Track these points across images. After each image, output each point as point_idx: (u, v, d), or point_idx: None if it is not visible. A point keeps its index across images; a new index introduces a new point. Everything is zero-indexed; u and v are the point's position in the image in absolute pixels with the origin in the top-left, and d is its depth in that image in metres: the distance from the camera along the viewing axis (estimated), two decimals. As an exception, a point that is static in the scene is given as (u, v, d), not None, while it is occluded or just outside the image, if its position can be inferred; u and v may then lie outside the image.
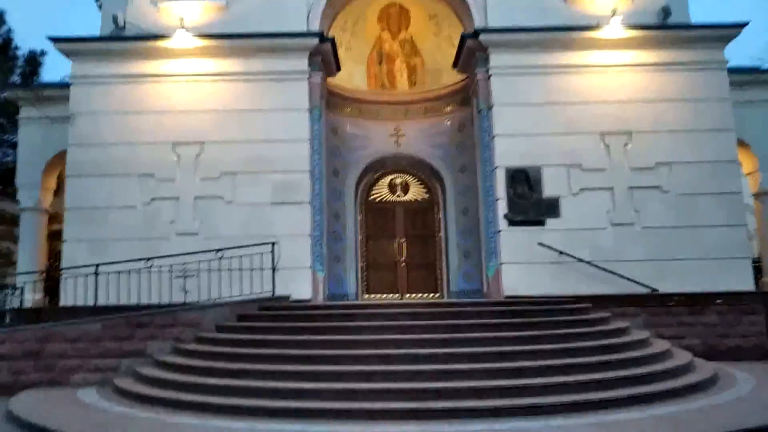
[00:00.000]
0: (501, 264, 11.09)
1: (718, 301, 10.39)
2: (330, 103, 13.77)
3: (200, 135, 11.41)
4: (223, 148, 11.34)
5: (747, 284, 10.91)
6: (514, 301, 9.02)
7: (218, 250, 9.46)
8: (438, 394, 6.33)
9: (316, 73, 11.88)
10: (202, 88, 11.60)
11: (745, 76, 13.15)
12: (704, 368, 8.03)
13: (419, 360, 6.93)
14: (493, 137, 11.46)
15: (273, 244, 9.49)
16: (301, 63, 11.58)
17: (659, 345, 8.62)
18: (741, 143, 12.43)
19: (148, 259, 9.81)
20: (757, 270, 12.97)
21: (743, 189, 12.02)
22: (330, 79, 13.43)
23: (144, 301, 9.62)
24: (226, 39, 11.52)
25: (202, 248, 10.31)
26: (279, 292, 10.15)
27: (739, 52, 12.61)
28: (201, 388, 6.93)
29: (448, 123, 14.28)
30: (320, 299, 11.15)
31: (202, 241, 10.85)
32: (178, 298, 9.77)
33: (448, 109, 14.30)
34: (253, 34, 11.53)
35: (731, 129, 11.44)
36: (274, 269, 9.49)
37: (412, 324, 7.69)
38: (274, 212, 11.09)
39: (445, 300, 9.86)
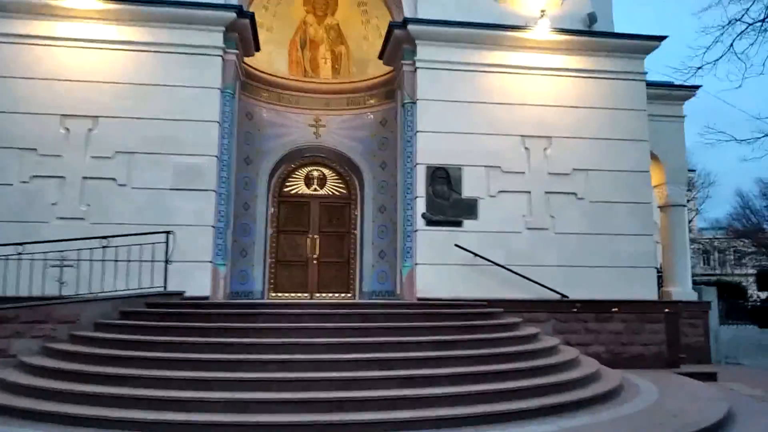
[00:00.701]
0: (416, 264, 10.70)
1: (614, 309, 10.53)
2: (246, 86, 12.89)
3: (95, 108, 10.19)
4: (120, 124, 10.18)
5: (652, 293, 11.16)
6: (427, 303, 8.61)
7: (104, 238, 8.37)
8: (341, 405, 5.76)
9: (231, 50, 10.95)
10: (102, 56, 10.38)
11: (658, 90, 13.54)
12: (611, 377, 7.97)
13: (323, 367, 6.33)
14: (416, 133, 11.06)
15: (168, 233, 8.53)
16: (216, 38, 10.63)
17: (568, 353, 8.50)
18: (651, 156, 12.77)
19: (21, 244, 8.54)
20: (659, 280, 13.42)
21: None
22: (247, 60, 12.55)
23: (11, 293, 8.36)
24: (131, 3, 10.36)
25: (87, 235, 9.15)
26: (175, 287, 9.20)
27: (653, 67, 12.93)
28: (67, 396, 5.96)
29: (371, 117, 13.78)
30: (220, 297, 10.28)
31: (88, 227, 9.66)
32: (53, 290, 8.58)
33: (372, 102, 13.79)
34: (163, 1, 10.46)
35: (645, 140, 11.68)
36: (167, 262, 8.53)
37: (318, 327, 7.06)
38: (174, 199, 10.08)
39: (356, 301, 9.37)
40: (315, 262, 13.51)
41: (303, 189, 13.82)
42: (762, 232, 37.56)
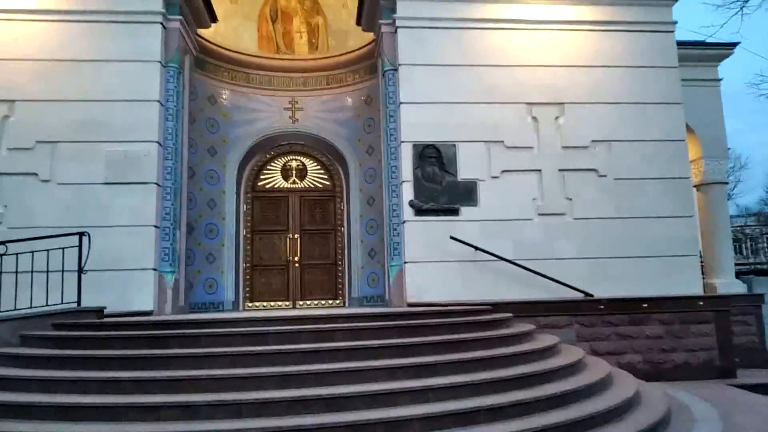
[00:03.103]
0: (405, 263, 8.83)
1: (644, 305, 8.54)
2: (207, 65, 11.18)
3: (10, 91, 8.54)
4: (41, 108, 8.52)
5: (696, 287, 9.13)
6: (412, 312, 6.66)
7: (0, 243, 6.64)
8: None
9: (175, 17, 9.22)
10: (15, 28, 8.73)
11: (689, 50, 11.50)
12: (653, 399, 6.02)
13: (248, 410, 4.49)
14: (399, 105, 9.20)
15: (81, 235, 6.79)
16: (153, 1, 8.92)
17: (597, 367, 6.58)
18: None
19: None
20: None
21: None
22: (207, 35, 10.85)
23: None
24: (50, -34, 8.72)
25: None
26: (110, 302, 7.44)
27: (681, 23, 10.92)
28: None
29: (355, 95, 11.95)
30: (169, 311, 8.52)
31: (5, 232, 8.00)
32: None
33: (355, 78, 11.95)
34: (87, -38, 8.80)
35: (679, 102, 9.66)
36: (81, 271, 6.78)
37: (280, 350, 5.15)
38: (108, 195, 8.39)
39: (310, 313, 7.62)
40: (297, 265, 11.72)
41: (280, 182, 12.03)
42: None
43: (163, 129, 8.82)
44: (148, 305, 8.18)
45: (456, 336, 5.91)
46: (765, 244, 49.26)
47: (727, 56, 12.14)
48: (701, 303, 8.76)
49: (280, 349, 5.04)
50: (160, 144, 8.68)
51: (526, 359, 5.94)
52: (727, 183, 12.22)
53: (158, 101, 8.73)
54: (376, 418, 4.28)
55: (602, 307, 8.47)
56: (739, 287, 11.10)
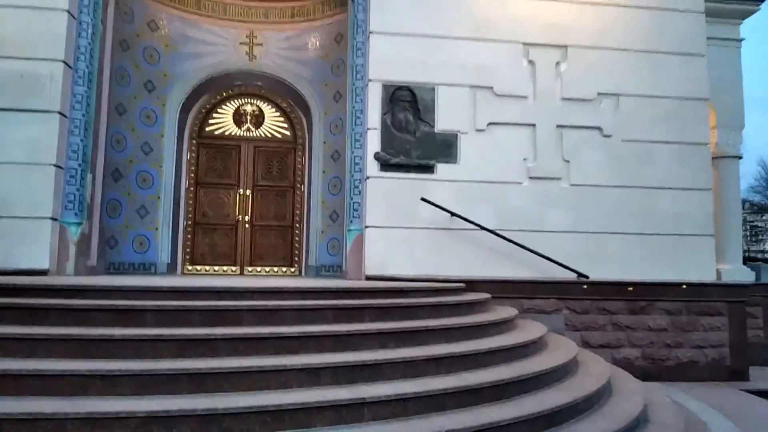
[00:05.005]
0: (366, 227, 7.30)
1: (630, 288, 7.18)
2: (147, -17, 9.37)
3: None
4: None
5: (708, 273, 7.73)
6: (356, 288, 4.97)
7: None
8: None
9: None
10: None
11: (706, 3, 9.93)
12: (666, 416, 4.62)
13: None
14: (369, 36, 7.54)
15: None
16: None
17: (595, 369, 5.17)
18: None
19: None
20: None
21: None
22: (145, -55, 9.02)
23: None
24: None
25: None
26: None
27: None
28: None
29: (323, 31, 10.20)
30: (70, 271, 6.92)
31: None
32: None
33: (325, 11, 10.17)
34: None
35: (703, 54, 8.13)
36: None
37: (159, 336, 3.60)
38: (-4, 124, 6.70)
39: (218, 284, 6.17)
40: (247, 225, 10.13)
41: (232, 128, 10.34)
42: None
43: (74, 47, 7.08)
44: (43, 263, 6.58)
45: (414, 323, 4.41)
46: (747, 233, 48.63)
47: (751, 13, 10.60)
48: (714, 291, 7.40)
49: (158, 334, 3.49)
50: (67, 65, 6.96)
51: (507, 356, 4.48)
52: (740, 157, 10.78)
53: (67, 11, 6.96)
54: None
55: (595, 288, 7.07)
56: (746, 275, 9.78)
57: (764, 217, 40.06)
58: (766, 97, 54.51)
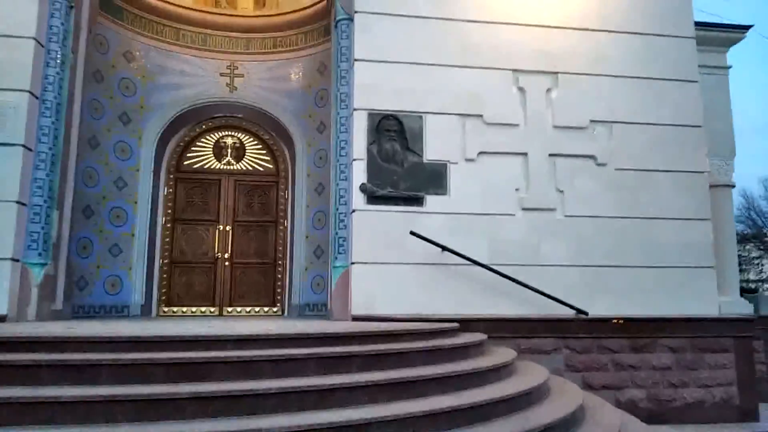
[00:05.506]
0: (352, 264, 6.87)
1: (615, 320, 6.81)
2: (124, 13, 9.18)
3: None
4: None
5: (711, 306, 7.38)
6: (342, 333, 4.43)
7: None
8: None
9: (67, -62, 7.12)
10: None
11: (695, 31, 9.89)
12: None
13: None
14: (353, 63, 7.25)
15: None
16: None
17: (599, 416, 4.73)
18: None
19: None
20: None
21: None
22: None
23: None
24: None
25: None
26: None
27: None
28: None
29: (307, 62, 9.95)
30: (32, 316, 6.37)
31: None
32: None
33: (307, 41, 9.94)
34: None
35: (696, 80, 7.96)
36: None
37: (110, 396, 3.12)
38: (-46, 158, 6.24)
39: (192, 333, 5.69)
40: (227, 263, 9.64)
41: (212, 162, 9.95)
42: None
43: (41, 77, 6.69)
44: (1, 308, 6.05)
45: (407, 373, 3.96)
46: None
47: (738, 41, 10.56)
48: (719, 327, 7.04)
49: (112, 394, 3.00)
50: (33, 95, 6.55)
51: (510, 407, 4.03)
52: (733, 186, 10.60)
53: (34, 38, 6.60)
54: None
55: (576, 321, 6.68)
56: (745, 307, 9.44)
57: (747, 247, 40.24)
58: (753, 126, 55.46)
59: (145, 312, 8.94)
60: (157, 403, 3.01)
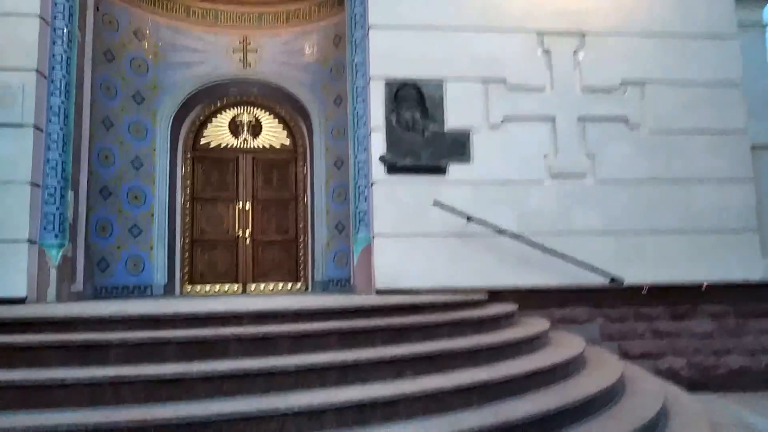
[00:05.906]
0: (374, 237, 6.64)
1: (644, 290, 6.47)
2: (134, -10, 8.87)
3: None
4: None
5: (755, 270, 6.97)
6: (364, 306, 4.19)
7: None
8: None
9: None
10: None
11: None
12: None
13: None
14: (368, 30, 6.94)
15: None
16: None
17: (641, 386, 4.46)
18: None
19: None
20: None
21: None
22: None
23: None
24: None
25: None
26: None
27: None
28: None
29: (321, 34, 9.66)
30: (52, 297, 6.30)
31: None
32: None
33: (321, 13, 9.65)
34: None
35: (733, 35, 7.47)
36: None
37: (118, 377, 2.95)
38: (-35, 140, 6.14)
39: (200, 310, 5.54)
40: (248, 241, 9.51)
41: (228, 140, 9.78)
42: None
43: (48, 55, 6.53)
44: (20, 290, 5.97)
45: (434, 346, 3.73)
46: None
47: (775, -7, 9.91)
48: (764, 291, 6.68)
49: (119, 375, 2.83)
50: (41, 74, 6.40)
51: (545, 380, 3.78)
52: (772, 147, 10.05)
53: (39, 16, 6.42)
54: None
55: (631, 294, 6.37)
56: (788, 272, 9.02)
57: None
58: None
59: (168, 291, 8.87)
60: (167, 383, 2.83)
